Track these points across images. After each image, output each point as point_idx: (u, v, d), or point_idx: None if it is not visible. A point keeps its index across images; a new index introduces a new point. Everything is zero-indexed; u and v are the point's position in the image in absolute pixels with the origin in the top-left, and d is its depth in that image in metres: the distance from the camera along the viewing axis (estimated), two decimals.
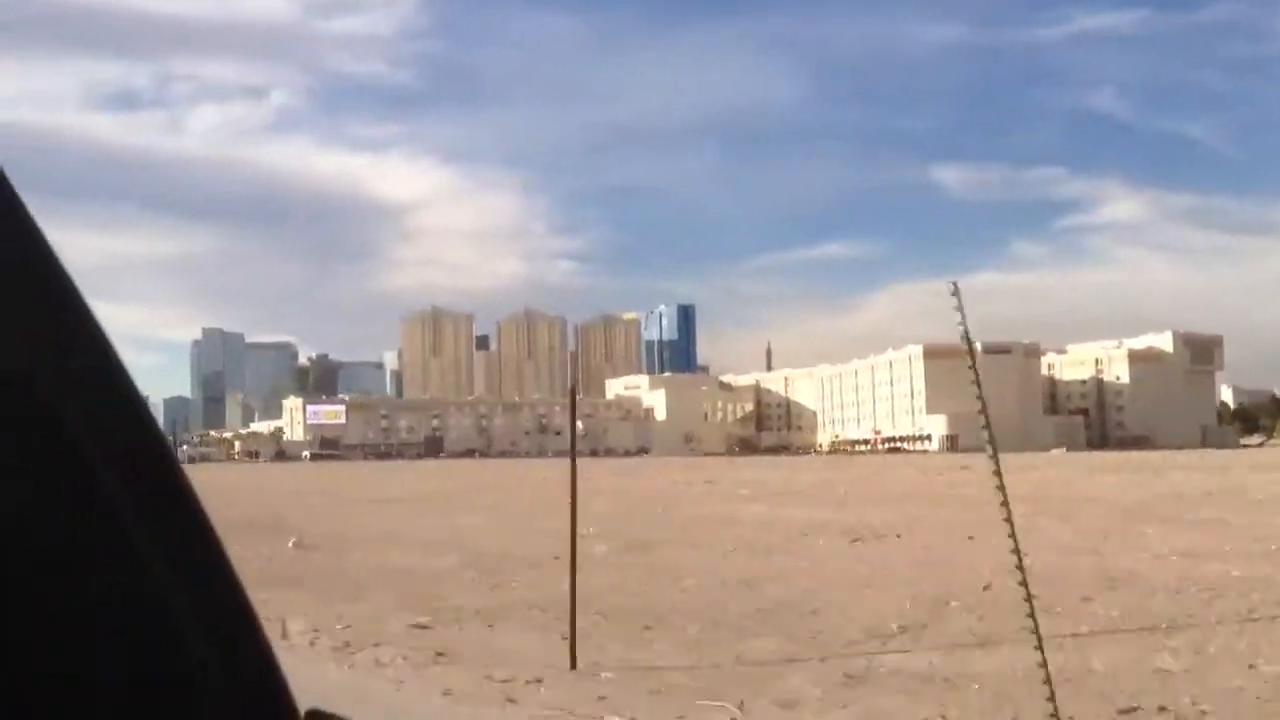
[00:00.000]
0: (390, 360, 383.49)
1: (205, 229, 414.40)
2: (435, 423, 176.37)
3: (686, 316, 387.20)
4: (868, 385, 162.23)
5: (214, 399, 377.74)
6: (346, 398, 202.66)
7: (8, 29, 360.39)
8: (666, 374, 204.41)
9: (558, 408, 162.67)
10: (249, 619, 0.66)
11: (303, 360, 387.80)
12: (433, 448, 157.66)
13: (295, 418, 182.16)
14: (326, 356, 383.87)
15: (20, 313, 0.62)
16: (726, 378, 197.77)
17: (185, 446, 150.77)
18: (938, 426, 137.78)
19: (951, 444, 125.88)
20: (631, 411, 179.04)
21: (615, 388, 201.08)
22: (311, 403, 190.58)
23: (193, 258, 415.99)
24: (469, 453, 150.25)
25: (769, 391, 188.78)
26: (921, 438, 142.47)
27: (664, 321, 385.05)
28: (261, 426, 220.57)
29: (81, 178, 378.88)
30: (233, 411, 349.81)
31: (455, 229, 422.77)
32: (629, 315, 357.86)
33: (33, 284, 0.63)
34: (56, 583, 0.59)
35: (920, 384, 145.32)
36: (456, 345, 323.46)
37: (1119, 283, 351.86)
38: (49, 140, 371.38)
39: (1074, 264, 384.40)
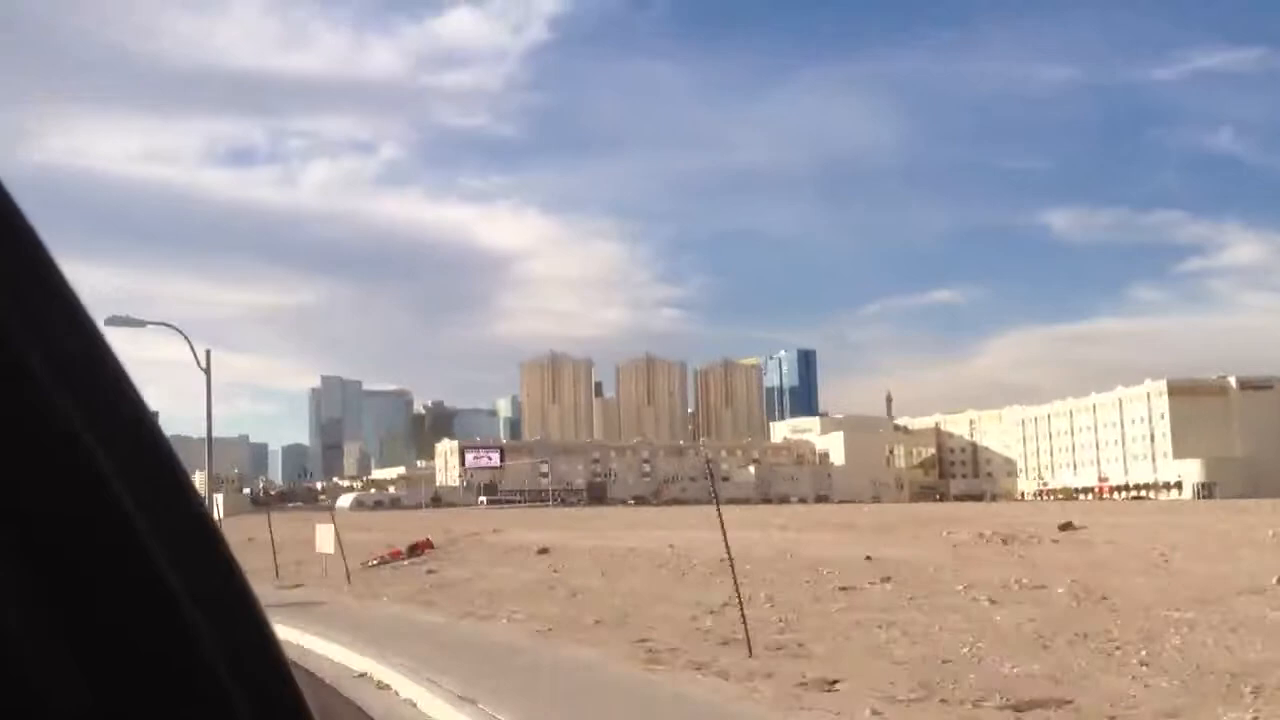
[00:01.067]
0: (503, 407, 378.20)
1: (317, 280, 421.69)
2: (596, 467, 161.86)
3: (807, 362, 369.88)
4: (1085, 427, 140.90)
5: (332, 446, 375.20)
6: (504, 442, 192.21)
7: (134, 91, 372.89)
8: (839, 415, 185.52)
9: (723, 452, 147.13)
10: (271, 645, 0.66)
11: (418, 408, 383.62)
12: (596, 493, 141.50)
13: (450, 462, 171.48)
14: (442, 404, 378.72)
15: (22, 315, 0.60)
16: (901, 420, 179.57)
17: (350, 494, 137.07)
18: (1190, 472, 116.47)
19: (1206, 492, 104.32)
20: (803, 456, 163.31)
21: (781, 430, 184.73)
22: (469, 447, 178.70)
23: (305, 309, 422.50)
24: (640, 499, 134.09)
25: (950, 435, 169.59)
26: (1167, 485, 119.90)
27: (784, 367, 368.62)
28: (387, 473, 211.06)
29: (199, 231, 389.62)
30: (349, 459, 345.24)
31: (560, 278, 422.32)
32: (748, 360, 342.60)
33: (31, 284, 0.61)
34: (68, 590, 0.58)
35: (1163, 425, 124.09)
36: (575, 391, 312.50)
37: (1246, 327, 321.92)
38: (169, 195, 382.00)
39: (1197, 308, 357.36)
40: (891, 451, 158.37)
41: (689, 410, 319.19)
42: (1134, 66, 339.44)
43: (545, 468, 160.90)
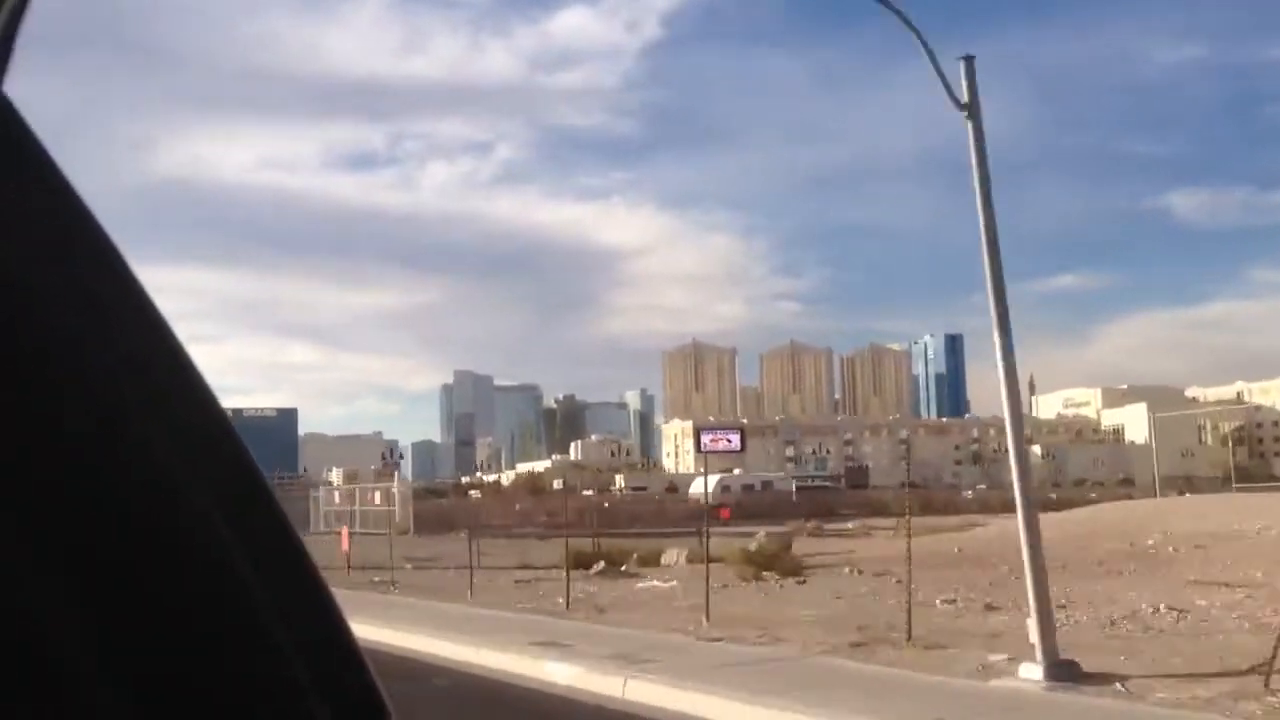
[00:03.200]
0: (632, 400, 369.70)
1: (437, 280, 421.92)
2: (849, 449, 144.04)
3: (954, 348, 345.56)
4: None
5: (465, 442, 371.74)
6: (743, 422, 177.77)
7: (255, 99, 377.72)
8: (1123, 386, 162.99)
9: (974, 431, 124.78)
10: (333, 616, 0.65)
11: (548, 402, 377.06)
12: (856, 480, 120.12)
13: (681, 445, 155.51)
14: (573, 397, 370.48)
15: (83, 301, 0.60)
16: (1191, 391, 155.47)
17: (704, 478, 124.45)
18: None
19: None
20: (1081, 433, 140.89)
21: (1051, 404, 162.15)
22: (705, 429, 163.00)
23: (426, 308, 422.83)
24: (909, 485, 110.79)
25: (1258, 408, 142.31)
26: None
27: (929, 353, 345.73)
28: (535, 465, 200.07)
29: (320, 235, 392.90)
30: (481, 454, 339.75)
31: (676, 273, 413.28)
32: (895, 346, 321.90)
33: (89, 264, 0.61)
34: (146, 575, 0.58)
35: None
36: (719, 380, 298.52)
37: None
38: (291, 201, 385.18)
39: None
40: (1202, 427, 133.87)
41: (835, 397, 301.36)
42: (1259, 43, 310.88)
43: (790, 449, 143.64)
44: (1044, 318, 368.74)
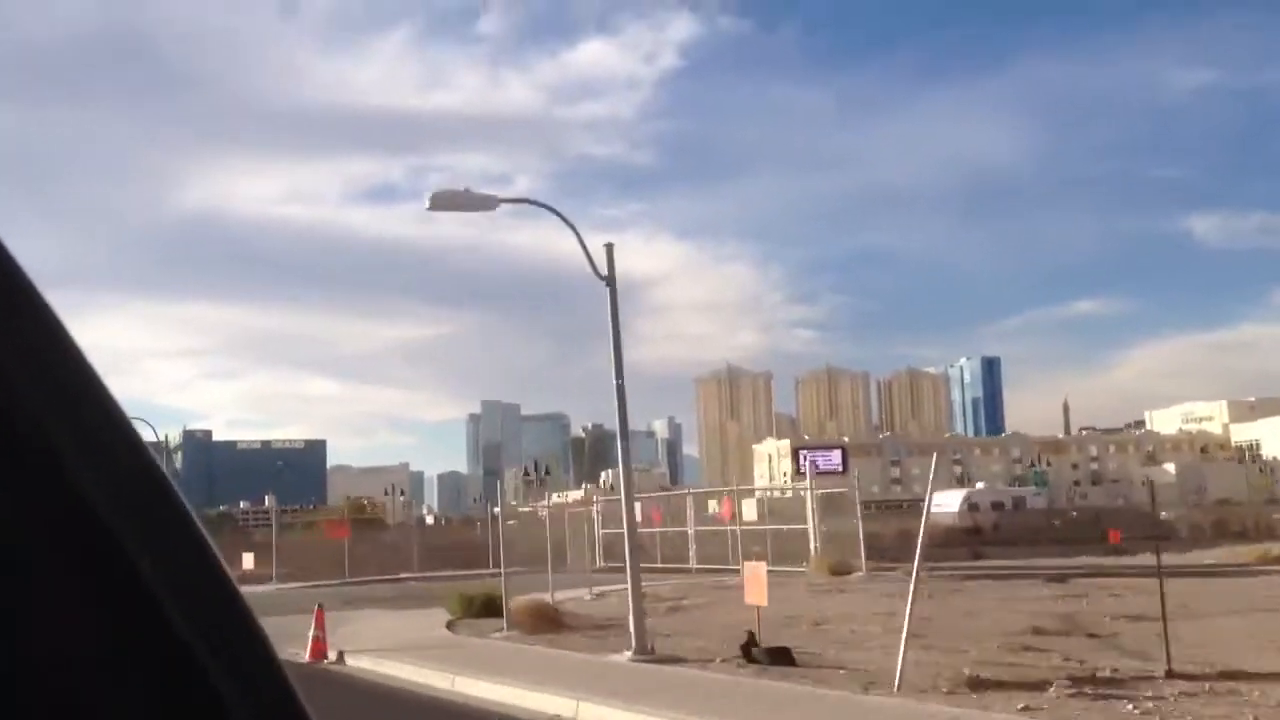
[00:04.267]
0: (660, 428, 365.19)
1: (456, 313, 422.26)
2: (959, 469, 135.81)
3: (991, 370, 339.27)
4: None
5: (492, 472, 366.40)
6: (843, 440, 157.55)
7: (277, 134, 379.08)
8: (1250, 398, 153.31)
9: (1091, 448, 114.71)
10: (260, 642, 0.66)
11: (575, 431, 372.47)
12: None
13: (776, 466, 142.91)
14: (601, 426, 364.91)
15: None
16: None
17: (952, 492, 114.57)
18: None
19: None
20: (1208, 449, 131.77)
21: (1170, 419, 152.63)
22: (804, 447, 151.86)
23: (446, 341, 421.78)
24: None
25: None
26: None
27: (966, 377, 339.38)
28: (569, 494, 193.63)
29: (340, 269, 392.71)
30: (512, 482, 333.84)
31: (693, 302, 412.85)
32: (931, 370, 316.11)
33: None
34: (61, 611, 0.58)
35: None
36: (754, 406, 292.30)
37: None
38: (312, 234, 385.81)
39: None
40: None
41: (874, 424, 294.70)
42: (1272, 69, 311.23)
43: (895, 470, 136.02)
44: (1064, 344, 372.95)
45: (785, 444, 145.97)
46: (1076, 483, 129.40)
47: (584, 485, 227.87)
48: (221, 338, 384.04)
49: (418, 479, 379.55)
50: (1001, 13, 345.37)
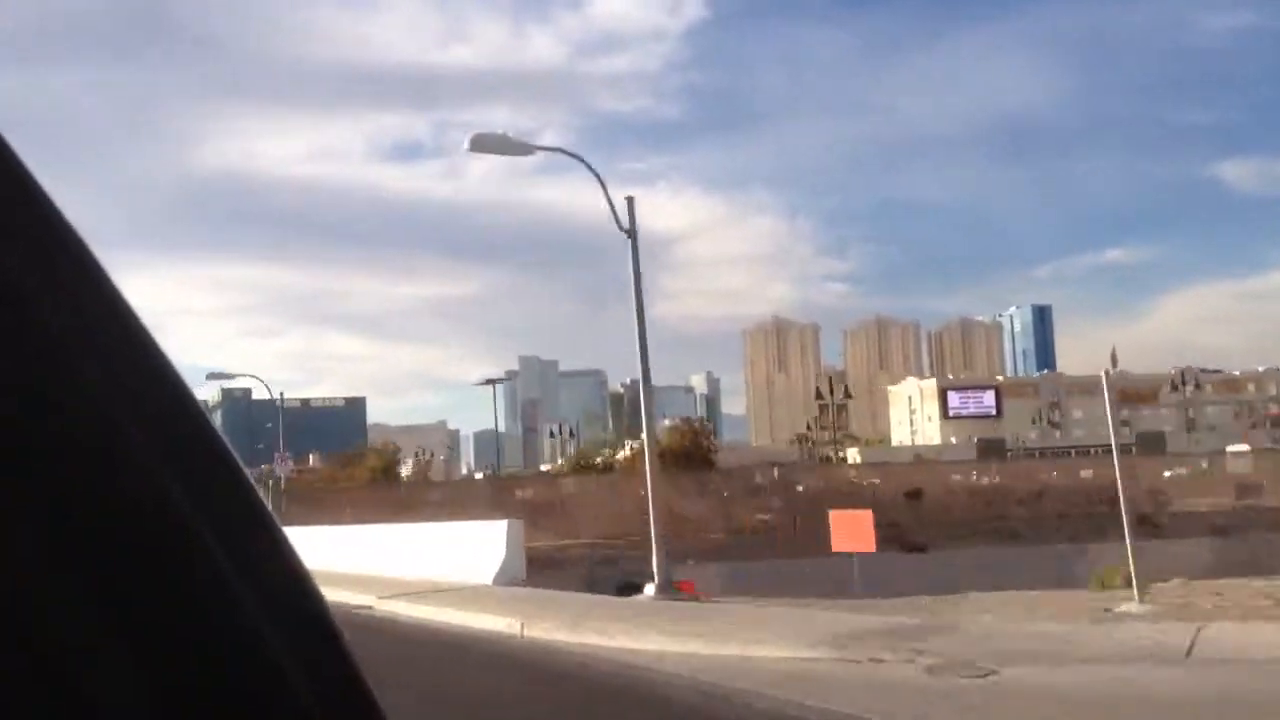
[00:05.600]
0: (698, 383, 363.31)
1: (485, 270, 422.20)
2: (1128, 413, 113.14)
3: (1042, 318, 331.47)
4: None
5: (531, 429, 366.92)
6: (998, 379, 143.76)
7: (301, 91, 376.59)
8: None
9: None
10: (330, 630, 0.67)
11: (614, 387, 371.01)
12: (1151, 444, 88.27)
13: (923, 407, 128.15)
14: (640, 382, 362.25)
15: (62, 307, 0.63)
16: None
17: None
18: None
19: None
20: None
21: None
22: (954, 388, 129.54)
23: (476, 298, 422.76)
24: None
25: None
26: None
27: (1016, 325, 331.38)
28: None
29: (368, 227, 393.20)
30: (549, 441, 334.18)
31: (722, 256, 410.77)
32: (983, 318, 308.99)
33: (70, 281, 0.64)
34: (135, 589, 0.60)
35: None
36: (803, 359, 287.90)
37: None
38: (338, 192, 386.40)
39: None
40: None
41: (925, 376, 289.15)
42: None
43: (1056, 414, 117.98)
44: (1095, 291, 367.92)
45: (929, 385, 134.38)
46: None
47: (627, 443, 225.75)
48: (252, 298, 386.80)
49: (454, 437, 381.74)
50: None
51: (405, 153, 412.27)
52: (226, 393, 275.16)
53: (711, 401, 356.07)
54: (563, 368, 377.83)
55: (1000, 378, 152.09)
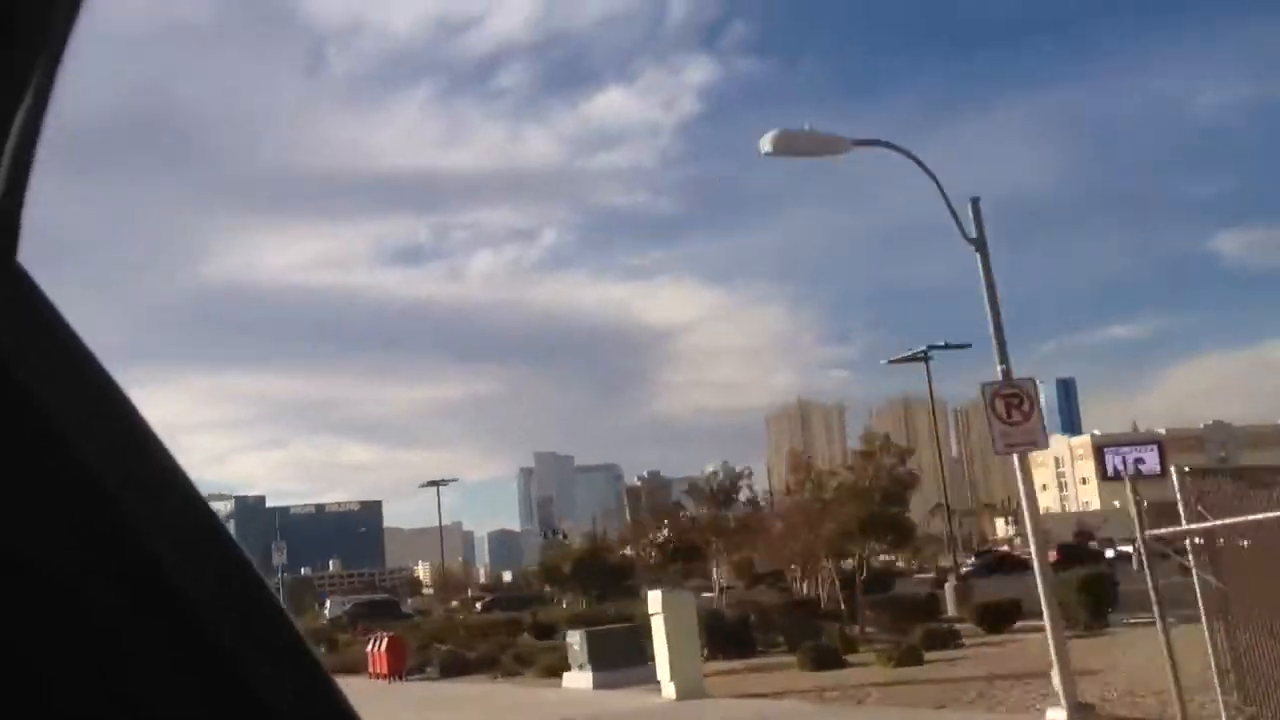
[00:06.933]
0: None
1: (488, 369, 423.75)
2: None
3: (1068, 393, 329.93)
4: None
5: (550, 528, 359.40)
6: (1160, 432, 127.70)
7: (306, 200, 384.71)
8: None
9: None
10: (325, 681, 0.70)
11: (629, 480, 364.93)
12: None
13: (1072, 473, 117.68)
14: (657, 474, 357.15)
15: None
16: None
17: None
18: None
19: None
20: None
21: None
22: (1110, 444, 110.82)
23: (480, 399, 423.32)
24: None
25: None
26: None
27: (1043, 400, 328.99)
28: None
29: (373, 331, 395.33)
30: (571, 539, 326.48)
31: (725, 348, 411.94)
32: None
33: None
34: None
35: None
36: (829, 442, 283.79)
37: None
38: (344, 300, 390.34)
39: None
40: None
41: (952, 455, 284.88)
42: None
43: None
44: (1099, 369, 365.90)
45: (1081, 441, 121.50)
46: None
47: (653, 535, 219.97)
48: (256, 408, 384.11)
49: (469, 538, 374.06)
50: (1012, 39, 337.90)
51: (407, 257, 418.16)
52: (240, 500, 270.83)
53: (729, 491, 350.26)
54: (578, 462, 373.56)
55: (1163, 430, 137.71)
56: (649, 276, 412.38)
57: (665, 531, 45.66)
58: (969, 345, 38.05)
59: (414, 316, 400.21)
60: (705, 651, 20.09)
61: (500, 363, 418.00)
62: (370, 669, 27.07)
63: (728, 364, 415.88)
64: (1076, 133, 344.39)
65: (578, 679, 19.79)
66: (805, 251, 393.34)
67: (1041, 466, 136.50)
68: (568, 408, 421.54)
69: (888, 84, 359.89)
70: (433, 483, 66.11)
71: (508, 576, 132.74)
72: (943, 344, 42.95)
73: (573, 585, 50.54)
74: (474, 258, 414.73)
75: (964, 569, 44.10)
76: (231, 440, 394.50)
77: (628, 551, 54.55)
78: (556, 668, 21.91)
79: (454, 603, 66.90)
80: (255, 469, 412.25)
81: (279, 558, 46.94)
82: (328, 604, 77.78)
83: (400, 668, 26.66)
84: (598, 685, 18.85)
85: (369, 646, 28.16)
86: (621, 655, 19.44)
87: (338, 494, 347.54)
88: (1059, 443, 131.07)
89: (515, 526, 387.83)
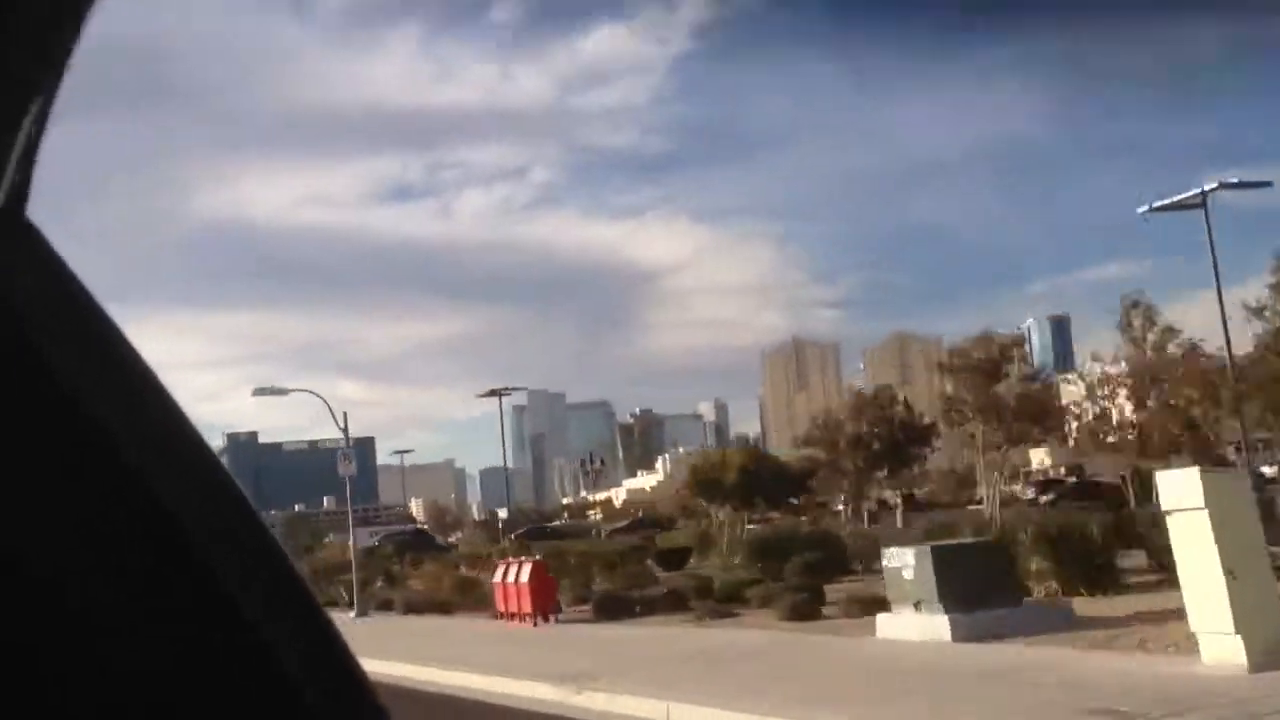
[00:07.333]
0: (706, 411, 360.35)
1: (479, 308, 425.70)
2: None
3: (1061, 329, 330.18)
4: None
5: (540, 463, 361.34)
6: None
7: (296, 138, 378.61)
8: None
9: None
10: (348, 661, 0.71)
11: (622, 418, 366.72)
12: None
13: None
14: (651, 411, 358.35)
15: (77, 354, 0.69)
16: None
17: None
18: None
19: None
20: None
21: None
22: None
23: (472, 337, 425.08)
24: None
25: None
26: None
27: (1034, 338, 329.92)
28: (644, 482, 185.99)
29: (363, 270, 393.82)
30: (563, 476, 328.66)
31: (714, 286, 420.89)
32: (1001, 331, 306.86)
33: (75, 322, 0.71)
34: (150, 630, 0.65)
35: None
36: (824, 379, 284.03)
37: None
38: (335, 237, 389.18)
39: None
40: None
41: (947, 392, 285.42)
42: None
43: None
44: (1093, 306, 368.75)
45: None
46: None
47: (638, 473, 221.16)
48: (248, 346, 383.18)
49: (460, 475, 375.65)
50: None
51: (398, 195, 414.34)
52: (231, 437, 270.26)
53: (721, 429, 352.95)
54: (570, 400, 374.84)
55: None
56: (638, 214, 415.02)
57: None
58: (1269, 184, 30.18)
59: (405, 255, 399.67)
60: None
61: (490, 302, 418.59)
62: (502, 608, 21.15)
63: (715, 303, 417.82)
64: (1068, 74, 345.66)
65: (910, 625, 13.65)
66: (795, 191, 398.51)
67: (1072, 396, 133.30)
68: (560, 345, 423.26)
69: (893, 19, 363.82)
70: (494, 391, 63.62)
71: (503, 513, 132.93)
72: (1235, 181, 31.20)
73: (733, 499, 39.01)
74: (463, 196, 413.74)
75: None
76: (222, 376, 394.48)
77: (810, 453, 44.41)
78: (804, 609, 16.81)
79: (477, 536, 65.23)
80: (246, 406, 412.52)
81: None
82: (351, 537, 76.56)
83: (549, 605, 20.66)
84: (958, 635, 13.01)
85: (499, 577, 21.64)
86: (985, 588, 13.59)
87: (330, 431, 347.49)
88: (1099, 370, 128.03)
89: (510, 463, 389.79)
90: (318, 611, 0.73)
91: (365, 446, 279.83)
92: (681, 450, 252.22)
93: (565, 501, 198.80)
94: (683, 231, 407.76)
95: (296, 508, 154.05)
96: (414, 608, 26.61)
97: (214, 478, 0.73)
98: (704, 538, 33.77)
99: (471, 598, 25.21)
